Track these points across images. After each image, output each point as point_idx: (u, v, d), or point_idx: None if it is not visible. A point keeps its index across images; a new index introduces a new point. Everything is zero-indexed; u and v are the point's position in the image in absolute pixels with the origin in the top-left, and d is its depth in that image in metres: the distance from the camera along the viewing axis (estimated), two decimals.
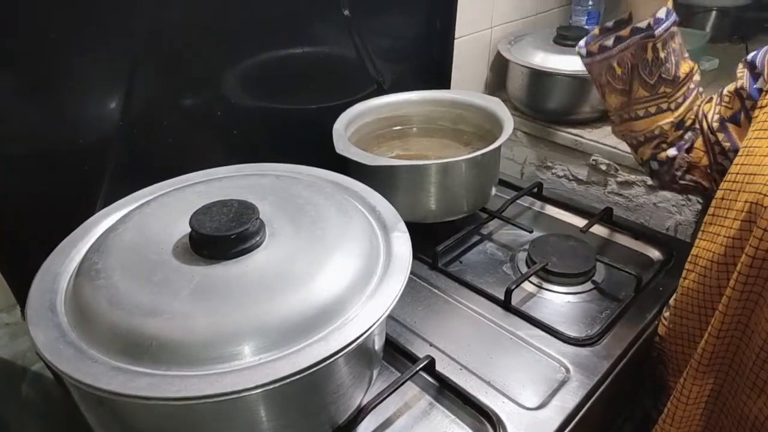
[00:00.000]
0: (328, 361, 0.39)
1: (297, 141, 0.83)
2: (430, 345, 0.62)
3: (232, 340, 0.39)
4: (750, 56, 0.58)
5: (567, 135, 1.01)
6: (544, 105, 1.02)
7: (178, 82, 0.68)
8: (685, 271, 0.59)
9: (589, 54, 0.66)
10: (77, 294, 0.44)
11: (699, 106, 0.64)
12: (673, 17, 0.62)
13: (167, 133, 0.69)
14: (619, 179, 0.98)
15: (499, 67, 1.11)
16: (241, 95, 0.76)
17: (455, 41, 1.02)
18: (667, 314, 0.64)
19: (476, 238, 0.81)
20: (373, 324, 0.43)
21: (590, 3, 1.14)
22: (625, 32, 0.62)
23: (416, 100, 0.92)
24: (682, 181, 0.66)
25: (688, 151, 0.64)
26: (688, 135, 0.64)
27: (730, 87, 0.60)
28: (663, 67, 0.61)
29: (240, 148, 0.76)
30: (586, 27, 1.11)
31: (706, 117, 0.62)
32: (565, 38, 1.01)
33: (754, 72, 0.57)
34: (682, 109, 0.63)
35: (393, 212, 0.56)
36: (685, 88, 0.62)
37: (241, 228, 0.46)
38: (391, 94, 0.91)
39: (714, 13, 1.33)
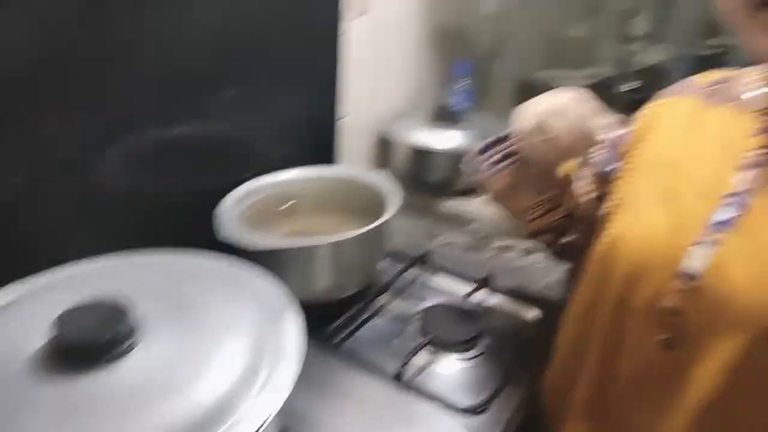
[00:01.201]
0: None
1: (183, 225, 0.79)
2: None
3: None
4: (606, 138, 0.63)
5: (449, 205, 1.08)
6: (427, 179, 1.08)
7: (42, 163, 0.63)
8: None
9: (477, 172, 0.70)
10: None
11: (581, 191, 0.70)
12: None
13: (27, 221, 0.64)
14: (497, 244, 1.05)
15: (384, 144, 1.18)
16: (118, 178, 0.72)
17: (341, 120, 1.07)
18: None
19: (368, 312, 0.82)
20: (263, 423, 0.41)
21: (463, 84, 1.25)
22: (513, 149, 0.65)
23: (305, 178, 0.94)
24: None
25: (579, 231, 0.69)
26: (577, 217, 0.69)
27: (594, 171, 0.66)
28: (547, 176, 0.65)
29: (118, 236, 0.71)
30: (461, 105, 1.21)
31: (585, 199, 0.67)
32: (442, 117, 1.09)
33: (611, 152, 0.62)
34: (568, 202, 0.68)
35: (283, 296, 0.55)
36: (568, 185, 0.68)
37: (110, 332, 0.43)
38: (279, 171, 0.92)
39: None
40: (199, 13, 0.75)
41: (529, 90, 1.75)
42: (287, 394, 0.44)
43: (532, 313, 0.83)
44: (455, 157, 1.06)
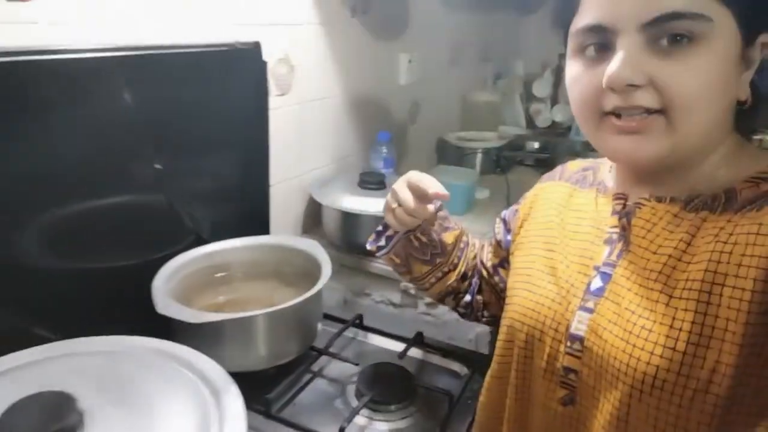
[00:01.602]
0: None
1: (116, 303, 0.80)
2: None
3: None
4: (503, 213, 0.74)
5: (379, 265, 1.13)
6: (356, 240, 1.14)
7: None
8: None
9: (376, 251, 0.78)
10: None
11: (476, 255, 0.78)
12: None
13: None
14: (426, 301, 1.11)
15: (314, 208, 1.23)
16: (46, 256, 0.72)
17: (271, 187, 1.11)
18: None
19: (307, 376, 0.85)
20: None
21: (384, 150, 1.34)
22: (391, 232, 0.76)
23: (237, 247, 0.96)
24: (484, 319, 0.78)
25: (479, 293, 0.77)
26: (474, 280, 0.77)
27: (493, 240, 0.75)
28: (430, 246, 0.74)
29: (54, 319, 0.71)
30: (383, 171, 1.30)
31: (484, 264, 0.76)
32: (366, 183, 1.16)
33: (507, 227, 0.72)
34: (460, 266, 0.76)
35: (222, 374, 0.58)
36: (456, 251, 0.76)
37: (57, 425, 0.44)
38: (211, 243, 0.94)
39: (480, 153, 1.66)
40: (131, 90, 0.78)
41: (445, 151, 1.89)
42: None
43: (460, 369, 0.89)
44: (381, 220, 1.12)
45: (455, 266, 0.76)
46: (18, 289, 0.69)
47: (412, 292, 1.12)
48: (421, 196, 0.68)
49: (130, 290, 0.80)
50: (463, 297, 0.77)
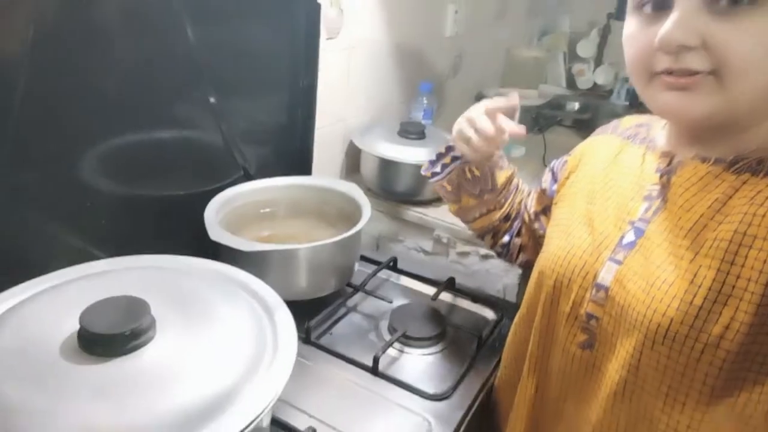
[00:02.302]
0: None
1: (167, 228, 0.85)
2: (310, 416, 0.68)
3: None
4: (552, 163, 0.75)
5: (413, 213, 1.17)
6: (393, 188, 1.17)
7: (34, 171, 0.67)
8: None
9: (431, 176, 0.81)
10: None
11: (522, 199, 0.80)
12: None
13: (27, 228, 0.68)
14: (458, 250, 1.15)
15: (354, 154, 1.25)
16: (108, 183, 0.77)
17: (316, 131, 1.14)
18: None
19: (343, 310, 0.89)
20: (265, 408, 0.48)
21: (425, 101, 1.35)
22: (447, 160, 0.78)
23: (282, 186, 1.00)
24: (517, 261, 0.81)
25: (518, 235, 0.80)
26: (516, 223, 0.80)
27: (539, 188, 0.76)
28: (482, 181, 0.77)
29: (110, 240, 0.76)
30: (423, 121, 1.31)
31: (527, 209, 0.78)
32: (407, 132, 1.18)
33: (554, 177, 0.74)
34: (505, 207, 0.79)
35: (274, 295, 0.62)
36: (505, 191, 0.79)
37: (134, 324, 0.48)
38: (258, 180, 0.98)
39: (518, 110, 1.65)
40: (190, 25, 0.80)
41: None
42: (287, 379, 0.51)
43: (489, 314, 0.93)
44: (418, 169, 1.15)
45: (501, 205, 0.79)
46: (78, 211, 0.74)
47: (444, 240, 1.15)
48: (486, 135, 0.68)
49: (181, 218, 0.85)
50: (502, 237, 0.81)
